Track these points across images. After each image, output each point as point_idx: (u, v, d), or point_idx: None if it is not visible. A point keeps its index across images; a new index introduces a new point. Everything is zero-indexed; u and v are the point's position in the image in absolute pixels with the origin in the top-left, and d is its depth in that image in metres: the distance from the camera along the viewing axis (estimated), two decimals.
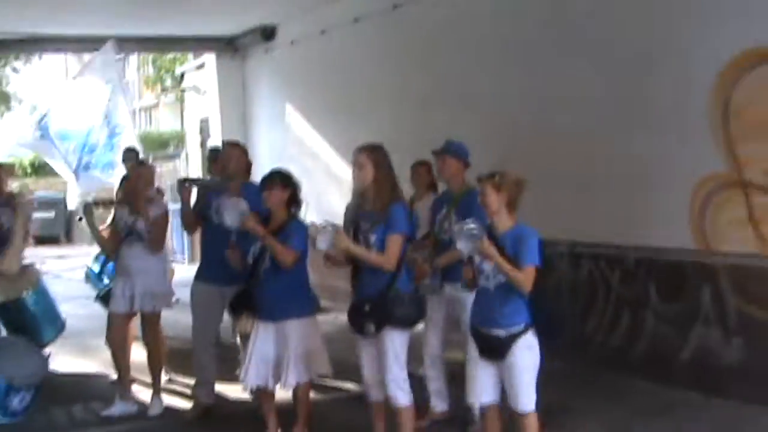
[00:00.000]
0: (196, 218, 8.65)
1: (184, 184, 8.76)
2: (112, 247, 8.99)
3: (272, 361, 7.34)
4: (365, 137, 7.29)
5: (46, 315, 10.10)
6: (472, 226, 6.04)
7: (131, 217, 8.67)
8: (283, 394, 7.64)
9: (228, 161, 8.50)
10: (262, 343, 7.34)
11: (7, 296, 9.65)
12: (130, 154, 11.87)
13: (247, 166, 8.86)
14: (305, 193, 7.57)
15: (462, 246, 6.08)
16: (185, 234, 15.25)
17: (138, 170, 9.18)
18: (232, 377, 8.24)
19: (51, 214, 29.68)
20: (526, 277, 6.07)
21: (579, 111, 9.72)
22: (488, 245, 6.00)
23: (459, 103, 11.38)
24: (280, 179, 7.36)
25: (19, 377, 6.35)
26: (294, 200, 7.39)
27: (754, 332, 8.14)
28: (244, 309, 7.51)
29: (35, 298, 9.94)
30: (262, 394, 7.59)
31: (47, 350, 10.49)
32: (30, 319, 9.88)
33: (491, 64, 10.97)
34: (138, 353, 9.10)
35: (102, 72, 14.12)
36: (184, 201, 8.67)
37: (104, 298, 10.26)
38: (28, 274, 10.08)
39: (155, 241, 8.69)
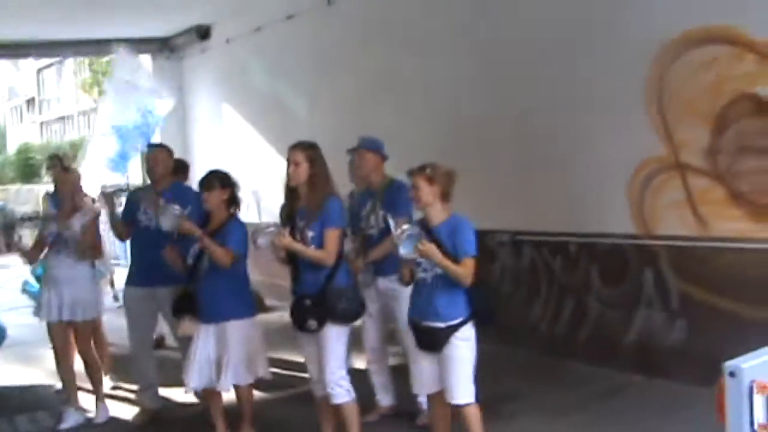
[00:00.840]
0: (126, 224, 8.58)
1: (107, 193, 8.69)
2: (32, 257, 8.87)
3: (214, 362, 7.31)
4: (302, 134, 7.27)
5: None
6: (410, 230, 6.05)
7: (56, 225, 8.53)
8: (230, 394, 7.61)
9: (154, 164, 8.46)
10: (204, 344, 7.30)
11: None
12: (53, 161, 11.74)
13: (177, 167, 8.87)
14: (244, 193, 7.56)
15: (404, 251, 6.07)
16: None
17: (62, 175, 8.97)
18: (176, 381, 8.15)
19: None
20: (465, 270, 6.08)
21: (516, 96, 9.76)
22: (428, 246, 6.01)
23: (394, 97, 11.39)
24: (219, 179, 7.36)
25: None
26: (233, 200, 7.38)
27: (695, 313, 8.23)
28: (186, 311, 7.46)
29: None
30: (209, 395, 7.55)
31: None
32: None
33: (424, 56, 10.98)
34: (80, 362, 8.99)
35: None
36: (110, 210, 8.61)
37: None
38: None
39: (91, 248, 8.57)
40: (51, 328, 8.69)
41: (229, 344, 7.23)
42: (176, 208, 7.21)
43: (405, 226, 6.07)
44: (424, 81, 10.97)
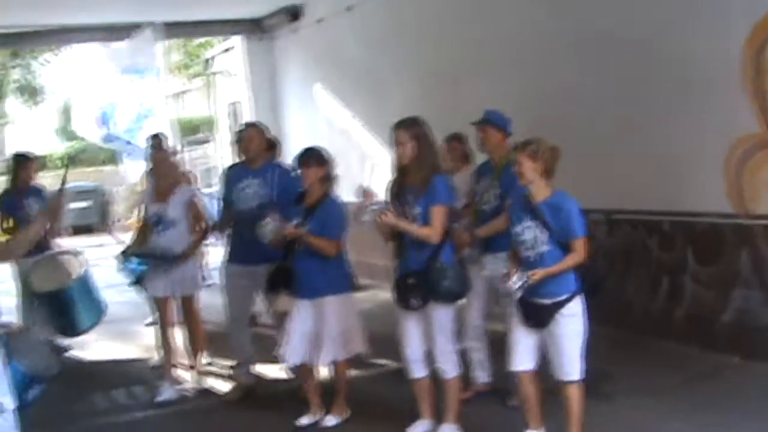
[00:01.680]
0: (225, 204, 8.68)
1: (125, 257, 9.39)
2: (142, 238, 9.02)
3: (311, 338, 7.36)
4: (395, 113, 7.24)
5: (88, 304, 10.17)
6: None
7: (158, 205, 8.69)
8: (322, 371, 7.65)
9: (249, 142, 8.54)
10: (301, 320, 7.37)
11: (58, 285, 9.75)
12: (155, 140, 11.88)
13: (269, 145, 8.97)
14: (338, 173, 7.59)
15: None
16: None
17: (159, 155, 9.17)
18: (270, 357, 8.23)
19: (86, 204, 29.82)
20: (578, 252, 6.05)
21: (611, 74, 9.60)
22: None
23: (489, 74, 11.29)
24: (315, 157, 7.43)
25: (39, 369, 6.39)
26: (329, 177, 7.43)
27: None
28: (281, 287, 7.51)
29: (79, 287, 10.02)
30: (303, 371, 7.61)
31: (68, 342, 10.63)
32: (71, 309, 9.96)
33: (521, 32, 10.85)
34: (177, 337, 9.11)
35: (134, 56, 14.29)
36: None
37: (139, 282, 10.34)
38: (77, 262, 10.19)
39: (202, 221, 8.81)
40: (156, 304, 8.92)
41: (326, 320, 7.29)
42: (268, 221, 7.33)
43: (513, 279, 6.08)
44: (520, 57, 10.84)
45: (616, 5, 9.49)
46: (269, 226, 7.29)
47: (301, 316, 7.38)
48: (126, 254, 9.70)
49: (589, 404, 6.34)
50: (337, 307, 7.33)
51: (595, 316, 6.34)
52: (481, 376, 7.97)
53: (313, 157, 7.43)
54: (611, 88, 9.60)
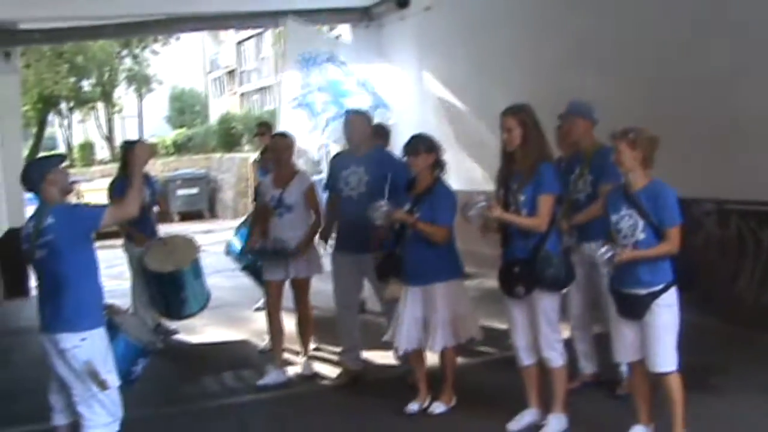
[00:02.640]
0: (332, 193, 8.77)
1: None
2: (262, 222, 9.11)
3: (421, 324, 7.39)
4: (503, 101, 7.19)
5: (197, 289, 10.36)
6: (386, 206, 6.93)
7: (277, 190, 8.80)
8: (430, 358, 7.67)
9: (352, 129, 8.59)
10: (411, 306, 7.39)
11: (172, 267, 9.96)
12: (261, 127, 11.99)
13: (378, 132, 9.08)
14: (446, 159, 7.58)
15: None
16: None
17: (281, 141, 9.27)
18: (377, 344, 8.27)
19: (194, 191, 30.32)
20: (671, 241, 6.01)
21: (723, 57, 9.42)
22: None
23: (596, 64, 11.16)
24: (424, 144, 7.43)
25: (143, 343, 6.57)
26: (438, 163, 7.43)
27: None
28: (391, 274, 7.55)
29: (192, 271, 10.22)
30: (413, 357, 7.63)
31: (175, 325, 10.83)
32: (182, 292, 10.16)
33: (627, 24, 10.73)
34: (285, 323, 9.21)
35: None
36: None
37: (250, 268, 10.48)
38: (191, 247, 10.39)
39: (317, 211, 8.95)
40: (270, 288, 9.04)
41: (437, 306, 7.30)
42: (383, 204, 7.33)
43: (602, 250, 6.08)
44: (626, 48, 10.72)
45: None
46: (382, 209, 7.30)
47: (412, 302, 7.40)
48: (247, 252, 9.86)
49: (697, 397, 6.28)
50: (447, 293, 7.33)
51: (704, 308, 6.29)
52: (587, 366, 7.90)
53: (421, 143, 7.43)
54: (722, 73, 9.41)
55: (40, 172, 6.27)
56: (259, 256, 9.24)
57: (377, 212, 7.31)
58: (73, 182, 6.39)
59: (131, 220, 10.37)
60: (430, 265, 7.28)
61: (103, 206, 6.28)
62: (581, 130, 7.57)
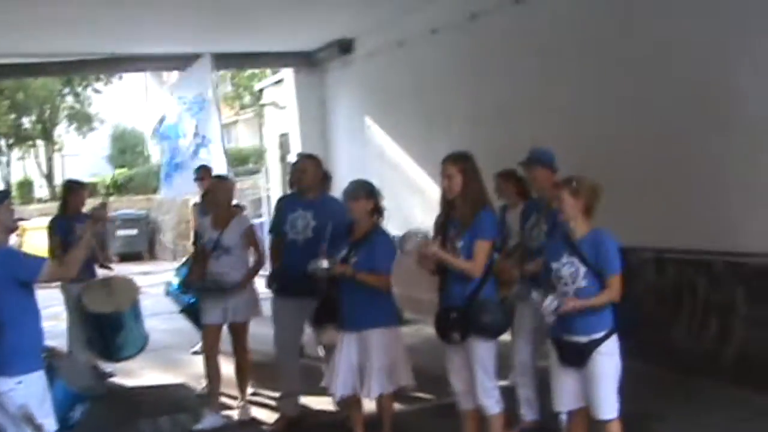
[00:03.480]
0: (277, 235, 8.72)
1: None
2: (201, 265, 9.05)
3: (357, 370, 7.36)
4: (445, 147, 7.25)
5: (136, 331, 10.28)
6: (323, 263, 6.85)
7: (215, 232, 8.77)
8: (368, 404, 7.64)
9: (303, 173, 8.58)
10: (347, 352, 7.37)
11: (112, 308, 9.88)
12: (202, 171, 11.97)
13: (324, 177, 8.94)
14: (386, 205, 7.60)
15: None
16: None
17: (219, 184, 9.27)
18: (316, 389, 8.23)
19: (134, 232, 30.08)
20: (612, 288, 6.07)
21: (660, 113, 9.57)
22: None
23: (537, 110, 11.29)
24: (364, 189, 7.44)
25: (83, 388, 6.47)
26: (377, 209, 7.44)
27: None
28: (327, 319, 7.53)
29: (132, 313, 10.14)
30: (350, 403, 7.60)
31: (111, 368, 10.72)
32: (120, 334, 10.07)
33: (568, 70, 10.85)
34: (223, 366, 9.13)
35: (196, 85, 14.55)
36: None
37: (188, 311, 10.41)
38: (130, 288, 10.31)
39: (258, 250, 9.02)
40: (207, 332, 8.96)
41: (372, 353, 7.28)
42: (323, 262, 7.29)
43: (548, 301, 6.11)
44: (567, 94, 10.84)
45: (670, 46, 9.46)
46: (323, 266, 7.28)
47: (347, 348, 7.37)
48: (186, 286, 9.81)
49: None
50: (383, 339, 7.31)
51: (642, 355, 6.34)
52: (528, 413, 7.91)
53: (361, 189, 7.44)
54: (663, 125, 9.55)
55: None
56: (197, 292, 9.19)
57: (316, 268, 7.29)
58: (18, 220, 6.31)
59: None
60: (366, 311, 7.25)
61: (43, 260, 6.08)
62: (542, 178, 7.54)
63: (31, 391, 5.89)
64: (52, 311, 13.29)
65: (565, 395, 6.35)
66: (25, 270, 5.93)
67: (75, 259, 6.04)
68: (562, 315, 6.10)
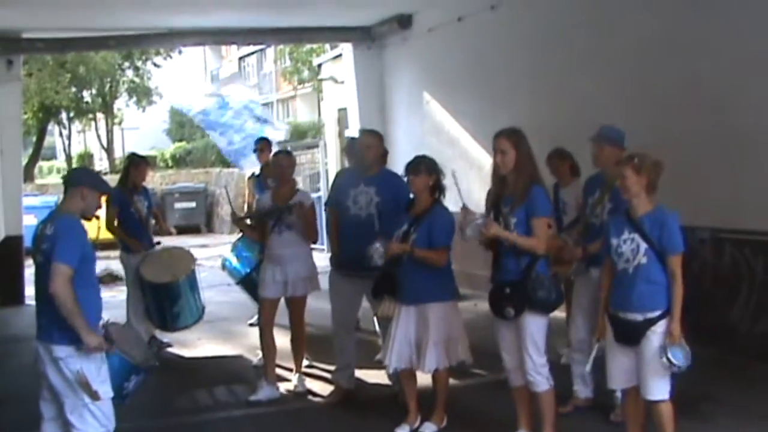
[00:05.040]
0: (333, 209, 8.75)
1: (236, 220, 9.67)
2: (262, 238, 9.12)
3: (414, 343, 7.39)
4: (503, 124, 7.20)
5: (192, 302, 10.40)
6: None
7: (277, 207, 8.79)
8: (422, 378, 7.67)
9: (366, 149, 8.57)
10: (404, 325, 7.40)
11: (169, 278, 10.00)
12: (262, 143, 12.00)
13: (384, 154, 8.94)
14: (444, 182, 7.60)
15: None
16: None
17: (283, 159, 9.28)
18: (371, 363, 8.28)
19: (192, 204, 30.29)
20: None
21: (725, 88, 9.45)
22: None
23: (597, 84, 11.19)
24: (425, 165, 7.45)
25: (138, 359, 6.55)
26: (438, 186, 7.45)
27: None
28: (386, 292, 7.56)
29: (188, 284, 10.26)
30: (405, 377, 7.63)
31: (169, 338, 10.85)
32: (177, 304, 10.20)
33: (629, 47, 10.75)
34: (278, 339, 9.21)
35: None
36: (243, 230, 9.52)
37: (245, 283, 10.49)
38: (187, 259, 10.43)
39: (312, 231, 8.93)
40: (264, 305, 9.02)
41: (430, 327, 7.30)
42: (378, 246, 7.37)
43: (377, 245, 6.47)
44: (630, 66, 10.71)
45: (714, 19, 9.35)
46: (379, 251, 7.33)
47: (405, 321, 7.41)
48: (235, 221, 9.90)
49: (689, 425, 6.27)
50: (441, 314, 7.33)
51: (698, 336, 6.27)
52: (583, 390, 7.91)
53: (423, 164, 7.46)
54: (722, 102, 9.43)
55: (81, 180, 6.30)
56: (261, 219, 9.19)
57: (374, 254, 7.34)
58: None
59: (128, 230, 10.50)
60: (425, 285, 7.28)
61: (71, 259, 5.92)
62: (609, 156, 7.46)
63: (88, 358, 5.99)
64: None
65: (619, 373, 6.35)
66: (59, 250, 5.92)
67: (65, 304, 5.94)
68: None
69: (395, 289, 7.43)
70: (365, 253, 7.48)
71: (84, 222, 6.16)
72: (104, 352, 6.07)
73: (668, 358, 5.99)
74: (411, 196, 7.56)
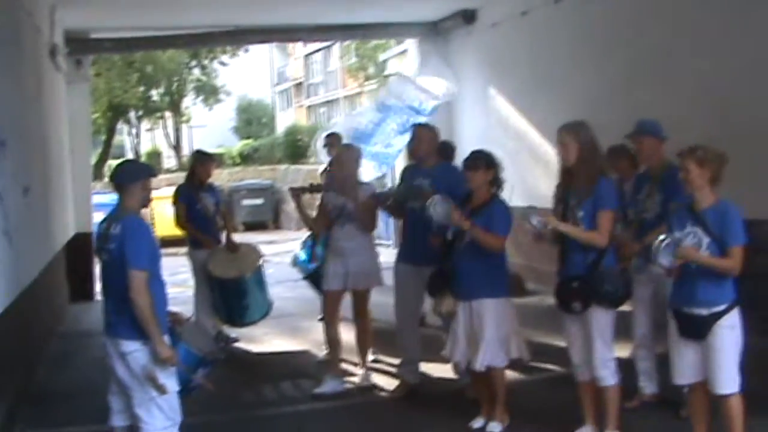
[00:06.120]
0: (398, 204, 8.78)
1: (293, 193, 9.36)
2: (318, 227, 9.21)
3: (469, 339, 7.40)
4: (568, 118, 7.18)
5: (259, 297, 10.47)
6: (667, 239, 6.01)
7: (340, 199, 8.84)
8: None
9: (420, 143, 8.62)
10: (463, 320, 7.42)
11: (236, 274, 10.09)
12: (331, 138, 12.05)
13: (443, 148, 8.96)
14: (509, 176, 7.58)
15: (664, 262, 6.06)
16: (391, 218, 15.52)
17: (346, 152, 9.33)
18: (436, 357, 8.27)
19: (259, 201, 30.50)
20: (732, 262, 5.95)
21: None
22: (687, 250, 5.97)
23: (662, 80, 11.09)
24: (484, 160, 7.44)
25: (204, 352, 6.62)
26: (496, 180, 7.43)
27: None
28: (442, 288, 7.57)
29: (255, 279, 10.34)
30: (473, 372, 7.58)
31: (236, 333, 11.00)
32: (244, 299, 10.28)
33: (696, 39, 10.64)
34: (344, 333, 9.25)
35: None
36: (296, 205, 9.29)
37: (312, 278, 10.54)
38: (254, 255, 10.52)
39: (367, 223, 8.88)
40: (329, 297, 9.05)
41: (484, 323, 7.30)
42: (439, 200, 7.35)
43: (661, 237, 5.99)
44: (694, 63, 10.62)
45: None
46: (439, 206, 7.32)
47: (463, 317, 7.42)
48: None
49: (759, 421, 6.17)
50: (495, 310, 7.32)
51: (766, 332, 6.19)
52: (648, 386, 7.83)
53: (481, 159, 7.44)
54: None
55: (137, 175, 6.38)
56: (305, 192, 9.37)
57: (434, 208, 7.32)
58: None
59: (197, 224, 10.61)
60: (479, 281, 7.28)
61: (144, 264, 6.04)
62: (650, 149, 7.48)
63: (154, 353, 6.07)
64: (180, 278, 13.71)
65: (685, 368, 6.26)
66: (130, 255, 6.01)
67: (143, 314, 6.02)
68: (678, 259, 5.97)
69: (450, 286, 7.45)
70: (426, 245, 7.53)
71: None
72: (173, 365, 6.16)
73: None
74: (468, 190, 7.52)
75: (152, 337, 5.99)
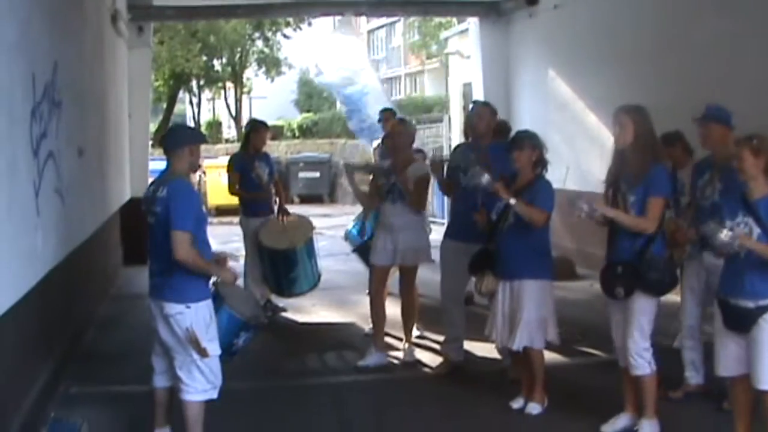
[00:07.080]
0: (450, 182, 8.77)
1: (348, 169, 9.50)
2: (371, 204, 9.23)
3: (508, 319, 7.41)
4: (629, 101, 7.11)
5: (308, 269, 10.52)
6: (734, 232, 5.83)
7: (392, 176, 8.83)
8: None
9: (478, 121, 8.60)
10: (502, 300, 7.42)
11: (286, 245, 10.15)
12: (386, 113, 12.04)
13: (497, 126, 8.94)
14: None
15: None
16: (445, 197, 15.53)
17: (400, 128, 9.32)
18: (481, 336, 8.24)
19: (316, 174, 30.52)
20: None
21: None
22: (747, 240, 5.82)
23: (723, 68, 10.94)
24: (529, 140, 7.44)
25: (248, 317, 6.66)
26: (541, 161, 7.41)
27: None
28: (483, 267, 7.56)
29: (305, 251, 10.38)
30: (516, 353, 7.59)
31: (284, 303, 11.03)
32: (293, 270, 10.33)
33: (760, 28, 10.47)
34: (390, 308, 9.28)
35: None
36: (351, 183, 9.40)
37: (361, 251, 10.56)
38: (306, 227, 10.57)
39: (417, 202, 8.88)
40: (375, 272, 9.08)
41: (523, 303, 7.30)
42: (480, 170, 7.39)
43: (725, 230, 5.82)
44: (759, 47, 10.44)
45: None
46: (480, 176, 7.35)
47: (502, 296, 7.43)
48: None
49: None
50: (536, 291, 7.32)
51: None
52: (694, 376, 7.75)
53: (527, 139, 7.45)
54: None
55: (186, 140, 6.47)
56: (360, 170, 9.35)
57: (475, 176, 7.38)
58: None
59: (251, 194, 10.69)
60: (522, 262, 7.28)
61: (189, 224, 6.15)
62: (716, 136, 7.32)
63: (198, 315, 6.16)
64: (232, 246, 13.76)
65: (728, 360, 6.16)
66: (175, 218, 6.11)
67: (196, 264, 6.11)
68: (737, 248, 5.83)
69: (492, 265, 7.44)
70: (469, 184, 7.65)
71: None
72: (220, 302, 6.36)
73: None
74: (514, 170, 7.48)
75: (212, 272, 6.24)
